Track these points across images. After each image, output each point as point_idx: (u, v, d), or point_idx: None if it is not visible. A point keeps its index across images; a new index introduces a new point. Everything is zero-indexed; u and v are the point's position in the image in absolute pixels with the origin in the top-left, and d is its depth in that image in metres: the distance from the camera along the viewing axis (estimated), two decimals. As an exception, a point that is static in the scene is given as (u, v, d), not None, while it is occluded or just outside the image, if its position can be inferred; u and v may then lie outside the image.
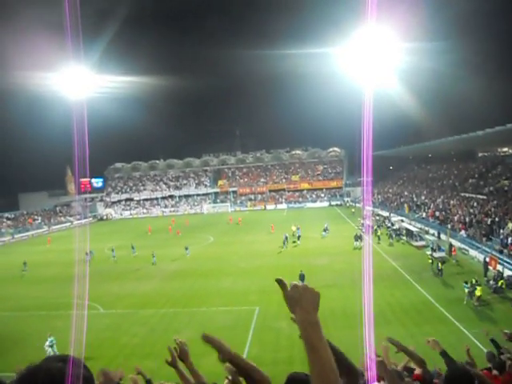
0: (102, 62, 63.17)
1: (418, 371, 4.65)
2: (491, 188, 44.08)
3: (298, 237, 43.88)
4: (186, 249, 40.53)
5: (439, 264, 28.20)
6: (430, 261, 30.32)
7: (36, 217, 78.64)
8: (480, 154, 65.72)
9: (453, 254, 32.74)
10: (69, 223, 79.46)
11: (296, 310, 1.79)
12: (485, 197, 42.01)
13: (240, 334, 19.91)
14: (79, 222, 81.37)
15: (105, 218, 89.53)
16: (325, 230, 46.87)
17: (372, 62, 43.62)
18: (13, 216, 76.17)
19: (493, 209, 37.37)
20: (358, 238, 39.74)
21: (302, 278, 26.98)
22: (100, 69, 61.53)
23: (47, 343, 18.30)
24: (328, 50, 55.36)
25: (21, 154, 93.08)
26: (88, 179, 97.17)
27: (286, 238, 41.98)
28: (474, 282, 23.01)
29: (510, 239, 29.72)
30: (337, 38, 52.91)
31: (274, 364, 16.28)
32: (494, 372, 6.02)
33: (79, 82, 55.52)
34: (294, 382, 2.84)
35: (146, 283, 31.25)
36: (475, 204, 41.55)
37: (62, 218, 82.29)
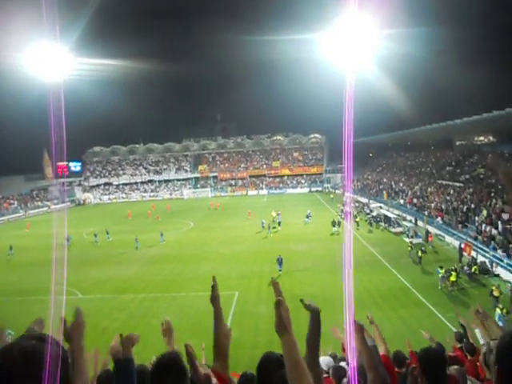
0: (81, 44, 61.53)
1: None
2: (467, 176, 44.95)
3: (279, 223, 44.15)
4: (161, 235, 40.19)
5: (419, 252, 28.57)
6: (410, 248, 30.63)
7: (12, 201, 77.06)
8: (457, 143, 66.72)
9: (429, 240, 33.42)
10: (46, 208, 78.11)
11: (284, 333, 2.18)
12: (461, 184, 42.84)
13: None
14: (56, 206, 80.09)
15: (82, 202, 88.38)
16: (307, 217, 46.99)
17: (353, 49, 43.59)
18: (-13, 200, 74.50)
19: (469, 196, 38.15)
20: (336, 223, 40.37)
21: (280, 261, 27.79)
22: (78, 50, 59.99)
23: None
24: (309, 36, 55.15)
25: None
26: (65, 163, 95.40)
27: (263, 224, 42.26)
28: (453, 268, 23.61)
29: (484, 226, 30.46)
30: (318, 25, 52.75)
31: (254, 347, 16.48)
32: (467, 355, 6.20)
33: (56, 63, 54.07)
34: (268, 361, 2.90)
35: (125, 268, 31.12)
36: (452, 191, 42.35)
37: (39, 203, 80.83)
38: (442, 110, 59.17)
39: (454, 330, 17.09)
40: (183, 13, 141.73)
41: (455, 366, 4.63)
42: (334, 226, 40.19)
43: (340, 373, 4.87)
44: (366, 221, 44.29)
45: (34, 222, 63.29)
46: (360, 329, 3.27)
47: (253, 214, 51.93)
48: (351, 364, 3.69)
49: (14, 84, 71.21)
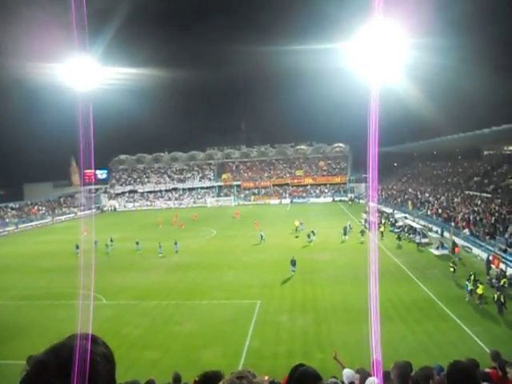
0: (109, 54, 63.08)
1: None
2: (496, 186, 43.89)
3: (311, 232, 41.86)
4: (175, 243, 39.87)
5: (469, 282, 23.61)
6: (452, 269, 26.75)
7: (40, 207, 78.96)
8: (485, 152, 65.27)
9: (456, 252, 32.64)
10: (72, 214, 79.75)
11: None
12: (489, 195, 41.84)
13: (241, 327, 20.00)
14: (83, 213, 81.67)
15: (106, 209, 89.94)
16: (345, 234, 41.92)
17: (379, 58, 43.33)
18: (17, 206, 76.50)
19: (497, 207, 37.22)
20: (346, 231, 41.82)
21: (293, 263, 29.33)
22: (106, 60, 61.45)
23: None
24: (334, 45, 55.07)
25: (26, 144, 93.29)
26: (92, 171, 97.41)
27: (262, 236, 41.79)
28: (473, 278, 23.04)
29: (513, 238, 29.62)
30: (343, 34, 52.66)
31: (275, 357, 16.36)
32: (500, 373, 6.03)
33: (85, 73, 55.48)
34: (307, 376, 2.86)
35: (149, 275, 31.40)
36: (479, 202, 41.40)
37: (66, 209, 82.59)
38: (470, 119, 58.03)
39: (481, 343, 16.68)
40: (210, 22, 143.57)
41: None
42: (344, 234, 41.41)
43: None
44: (391, 231, 43.62)
45: (60, 228, 64.71)
46: None
47: (276, 223, 51.80)
48: (377, 377, 3.63)
49: (45, 93, 73.38)
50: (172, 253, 38.81)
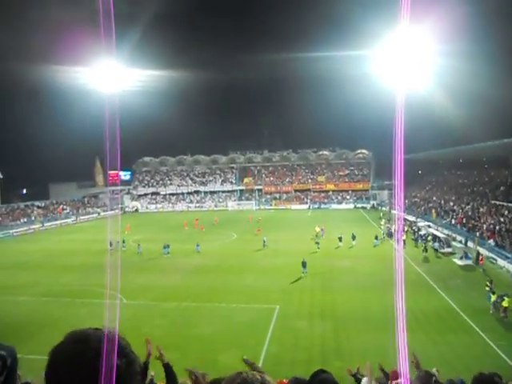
0: (134, 56, 64.07)
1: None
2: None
3: (339, 238, 41.94)
4: (197, 245, 40.75)
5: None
6: (488, 288, 23.91)
7: (65, 206, 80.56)
8: (513, 161, 63.79)
9: (480, 263, 31.91)
10: (96, 214, 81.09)
11: None
12: (516, 205, 40.83)
13: (259, 332, 19.95)
14: (106, 213, 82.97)
15: (128, 210, 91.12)
16: (376, 238, 42.54)
17: (404, 64, 42.89)
18: (43, 205, 78.25)
19: (524, 218, 36.30)
20: (354, 237, 42.05)
21: (304, 264, 30.48)
22: (132, 63, 62.47)
23: None
24: (360, 51, 54.79)
25: (52, 145, 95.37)
26: (117, 172, 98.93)
27: (265, 242, 41.82)
28: (489, 287, 22.46)
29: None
30: (369, 40, 52.28)
31: (293, 364, 16.25)
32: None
33: (111, 76, 56.49)
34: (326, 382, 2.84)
35: (169, 276, 31.65)
36: (506, 212, 40.42)
37: (90, 209, 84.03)
38: (497, 127, 56.77)
39: (505, 358, 16.23)
40: (235, 26, 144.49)
41: None
42: (353, 239, 41.83)
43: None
44: (414, 239, 42.89)
45: (84, 227, 65.87)
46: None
47: (296, 229, 51.62)
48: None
49: (71, 95, 74.94)
50: (193, 254, 39.08)
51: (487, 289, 23.62)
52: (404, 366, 3.86)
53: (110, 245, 40.57)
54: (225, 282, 29.49)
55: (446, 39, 46.84)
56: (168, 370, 4.60)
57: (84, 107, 65.84)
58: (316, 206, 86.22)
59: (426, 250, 36.90)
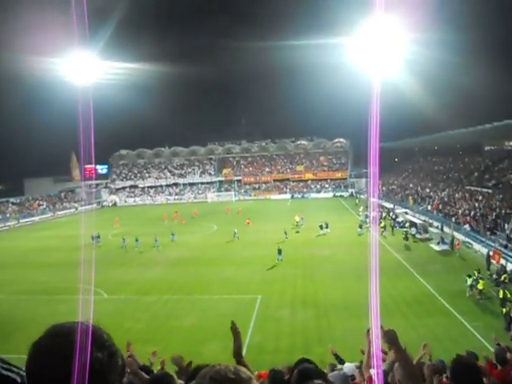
0: (108, 48, 62.71)
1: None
2: (497, 182, 43.84)
3: (321, 226, 42.47)
4: (173, 235, 41.75)
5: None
6: (475, 277, 22.98)
7: (41, 202, 79.00)
8: (486, 148, 65.24)
9: (456, 247, 32.64)
10: (73, 209, 79.80)
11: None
12: (490, 190, 41.82)
13: (242, 322, 19.90)
14: (84, 208, 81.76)
15: (106, 204, 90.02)
16: (361, 227, 42.05)
17: (379, 53, 43.16)
18: (18, 201, 76.56)
19: (498, 203, 37.21)
20: (324, 226, 42.26)
21: (279, 252, 31.42)
22: (106, 55, 61.21)
23: None
24: (335, 40, 54.84)
25: (26, 139, 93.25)
26: (93, 166, 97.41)
27: (236, 234, 41.63)
28: (476, 274, 22.93)
29: (514, 233, 29.62)
30: (343, 29, 52.36)
31: (276, 352, 16.41)
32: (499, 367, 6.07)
33: (85, 68, 55.30)
34: (309, 372, 2.86)
35: (149, 270, 31.47)
36: (480, 197, 41.38)
37: (67, 204, 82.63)
38: (471, 115, 57.89)
39: (481, 338, 16.72)
40: (209, 17, 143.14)
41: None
42: (321, 229, 42.06)
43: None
44: (391, 226, 43.54)
45: (61, 222, 64.81)
46: (394, 337, 2.90)
47: (277, 219, 51.86)
48: (377, 371, 3.63)
49: (44, 88, 73.25)
50: (171, 246, 38.91)
51: (475, 277, 22.84)
52: (378, 354, 3.93)
53: (92, 239, 40.73)
54: (206, 274, 29.48)
55: (419, 28, 47.30)
56: None
57: (58, 100, 64.58)
58: (299, 196, 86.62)
59: (406, 238, 37.06)
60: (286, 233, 40.45)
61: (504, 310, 18.63)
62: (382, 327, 2.99)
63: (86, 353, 1.31)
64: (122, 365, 1.50)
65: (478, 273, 23.33)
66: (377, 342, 3.93)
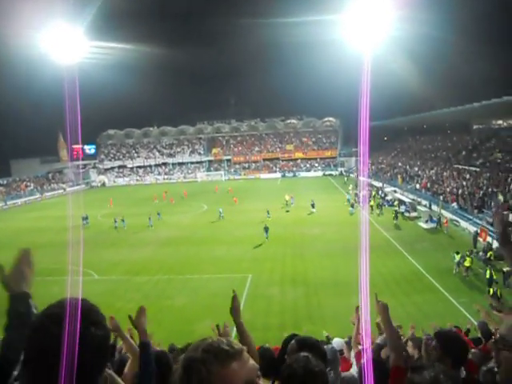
0: (95, 27, 61.34)
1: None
2: (484, 160, 44.24)
3: (312, 205, 43.27)
4: (159, 214, 41.87)
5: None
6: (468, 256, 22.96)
7: (29, 183, 78.16)
8: (475, 127, 65.56)
9: (444, 225, 33.08)
10: (62, 190, 79.12)
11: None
12: (478, 169, 42.22)
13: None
14: (72, 188, 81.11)
15: (94, 185, 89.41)
16: (352, 206, 42.53)
17: (369, 30, 42.78)
18: (5, 182, 75.63)
19: (485, 181, 37.62)
20: (312, 205, 42.99)
21: (266, 230, 32.02)
22: (93, 34, 59.86)
23: None
24: (323, 17, 54.22)
25: (12, 119, 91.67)
26: (80, 146, 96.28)
27: (221, 213, 41.92)
28: (467, 254, 23.20)
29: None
30: (332, 6, 51.68)
31: (266, 329, 16.62)
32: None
33: (71, 46, 54.09)
34: (304, 345, 2.90)
35: (140, 250, 31.47)
36: (468, 176, 41.79)
37: (55, 185, 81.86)
38: (459, 93, 58.01)
39: (467, 314, 17.11)
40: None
41: (472, 350, 4.67)
42: (312, 207, 42.82)
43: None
44: (380, 205, 43.91)
45: (50, 204, 64.29)
46: (385, 308, 3.18)
47: (267, 198, 51.99)
48: (365, 346, 3.71)
49: (29, 65, 71.62)
50: (161, 226, 38.92)
51: (462, 254, 23.14)
52: (367, 331, 4.01)
53: (83, 220, 40.87)
54: (197, 254, 29.60)
55: (408, 5, 46.85)
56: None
57: (44, 79, 63.11)
58: (291, 175, 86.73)
59: (396, 217, 36.88)
60: (268, 212, 40.13)
61: (491, 289, 18.95)
62: (376, 296, 3.22)
63: (71, 326, 1.36)
64: (112, 345, 1.55)
65: (470, 253, 23.67)
66: (366, 318, 4.01)
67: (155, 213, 42.31)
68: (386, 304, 3.22)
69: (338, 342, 6.45)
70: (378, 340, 4.36)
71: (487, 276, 20.32)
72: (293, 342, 3.04)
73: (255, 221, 38.94)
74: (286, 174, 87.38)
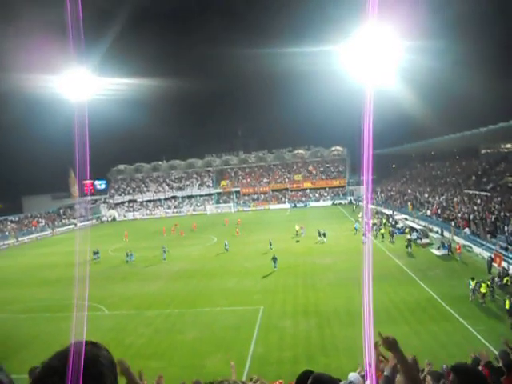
0: (104, 64, 63.12)
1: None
2: (495, 185, 43.93)
3: (324, 234, 42.97)
4: (164, 252, 39.91)
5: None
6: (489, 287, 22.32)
7: (40, 219, 78.83)
8: (483, 151, 65.50)
9: (457, 251, 32.54)
10: (72, 225, 79.64)
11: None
12: (488, 193, 41.88)
13: (245, 334, 19.93)
14: (83, 223, 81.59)
15: (104, 220, 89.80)
16: (364, 235, 40.57)
17: (373, 60, 43.53)
18: (17, 219, 76.39)
19: (496, 206, 37.25)
20: (322, 234, 42.83)
21: (274, 260, 32.22)
22: (102, 71, 61.53)
23: None
24: (329, 48, 55.16)
25: (24, 157, 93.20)
26: (91, 181, 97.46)
27: (226, 245, 41.45)
28: (487, 282, 22.54)
29: (514, 236, 29.61)
30: (338, 36, 52.72)
31: (280, 363, 16.29)
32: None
33: (81, 84, 55.59)
34: (321, 382, 2.86)
35: (150, 284, 31.30)
36: (479, 201, 41.42)
37: (66, 221, 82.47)
38: (466, 119, 58.19)
39: (485, 342, 16.63)
40: (202, 29, 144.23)
41: None
42: (320, 236, 42.90)
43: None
44: (390, 233, 43.49)
45: (60, 239, 64.59)
46: (393, 343, 2.96)
47: (277, 229, 51.78)
48: (370, 379, 3.62)
49: (41, 105, 73.47)
50: (173, 260, 38.75)
51: (478, 281, 22.36)
52: (370, 362, 3.92)
53: (94, 254, 41.37)
54: (208, 286, 29.36)
55: (411, 35, 47.70)
56: None
57: (55, 117, 64.63)
58: (302, 205, 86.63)
59: (409, 245, 35.82)
60: (270, 244, 40.02)
61: (507, 301, 18.28)
62: (380, 334, 3.02)
63: (74, 372, 1.37)
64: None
65: (491, 283, 23.06)
66: (369, 352, 3.95)
67: (167, 246, 42.22)
68: (394, 338, 3.02)
69: (354, 376, 6.27)
70: (386, 372, 4.23)
71: (507, 306, 19.52)
72: (309, 381, 2.99)
73: (264, 252, 38.73)
74: (297, 205, 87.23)
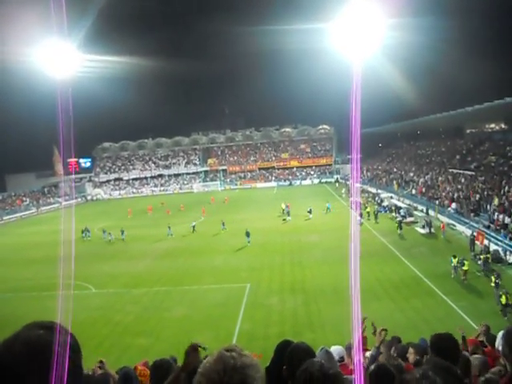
0: (89, 41, 61.48)
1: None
2: (479, 164, 44.46)
3: (288, 212, 44.37)
4: (169, 228, 40.42)
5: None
6: (493, 284, 19.88)
7: (24, 198, 77.89)
8: (468, 131, 66.02)
9: (441, 229, 33.05)
10: (57, 204, 78.84)
11: None
12: (473, 173, 42.41)
13: (232, 311, 20.17)
14: (68, 202, 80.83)
15: (90, 198, 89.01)
16: (361, 215, 41.02)
17: (361, 38, 43.15)
18: (0, 198, 75.38)
19: (480, 185, 37.77)
20: (308, 211, 44.11)
21: (247, 234, 33.50)
22: (86, 47, 60.06)
23: None
24: (316, 26, 54.48)
25: (6, 134, 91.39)
26: (75, 159, 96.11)
27: (194, 225, 41.66)
28: (459, 258, 23.12)
29: (496, 215, 30.16)
30: (325, 14, 52.05)
31: (266, 339, 16.54)
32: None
33: (65, 60, 54.24)
34: (298, 351, 2.90)
35: (138, 262, 31.31)
36: (463, 180, 41.96)
37: (51, 199, 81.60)
38: (452, 98, 58.55)
39: (467, 318, 17.09)
40: (188, 6, 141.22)
41: (477, 356, 4.70)
42: (310, 213, 43.90)
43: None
44: (375, 211, 43.89)
45: (46, 218, 64.01)
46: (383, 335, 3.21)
47: (263, 207, 51.91)
48: (357, 356, 3.71)
49: (23, 81, 71.58)
50: (159, 240, 38.74)
51: (493, 284, 19.88)
52: (358, 339, 4.02)
53: (83, 232, 41.92)
54: (195, 264, 29.49)
55: (398, 13, 47.28)
56: None
57: (38, 93, 63.10)
58: (286, 184, 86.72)
59: (400, 227, 34.75)
60: (223, 224, 40.80)
61: (503, 297, 17.70)
62: (373, 324, 3.23)
63: (60, 354, 1.28)
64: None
65: (478, 259, 23.95)
66: (356, 327, 4.05)
67: (173, 223, 42.53)
68: (386, 333, 3.24)
69: (337, 350, 6.41)
70: (372, 351, 4.40)
71: (503, 302, 17.83)
72: (288, 349, 3.04)
73: (252, 230, 38.87)
74: (281, 183, 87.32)
